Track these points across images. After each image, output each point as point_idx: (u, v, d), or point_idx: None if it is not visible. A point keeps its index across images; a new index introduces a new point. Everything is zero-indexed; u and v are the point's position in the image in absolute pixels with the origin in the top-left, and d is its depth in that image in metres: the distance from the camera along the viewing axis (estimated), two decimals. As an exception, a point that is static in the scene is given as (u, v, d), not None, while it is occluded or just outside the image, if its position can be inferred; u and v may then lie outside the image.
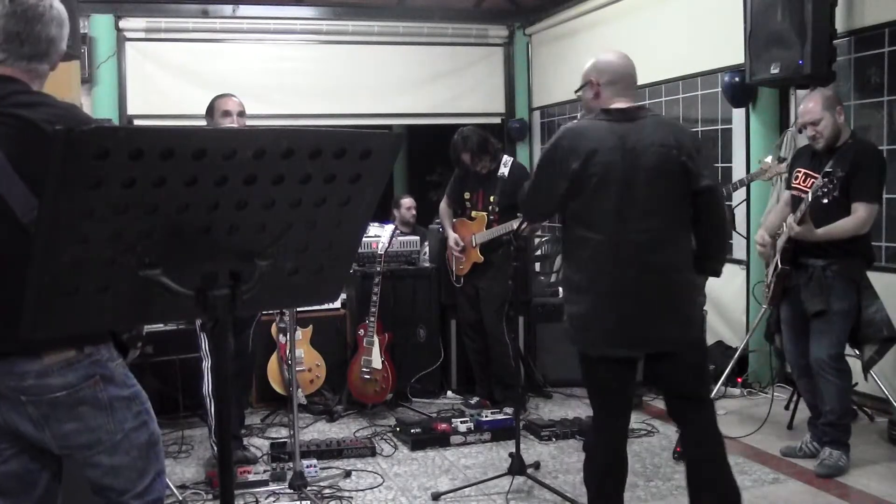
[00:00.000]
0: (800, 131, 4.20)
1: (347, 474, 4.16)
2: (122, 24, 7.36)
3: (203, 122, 4.31)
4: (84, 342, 1.97)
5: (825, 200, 3.75)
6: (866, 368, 4.14)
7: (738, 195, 5.67)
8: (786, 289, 4.11)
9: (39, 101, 1.94)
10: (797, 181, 4.09)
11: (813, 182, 3.88)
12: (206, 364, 4.05)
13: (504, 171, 5.14)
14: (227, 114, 4.06)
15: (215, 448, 4.14)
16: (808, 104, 3.98)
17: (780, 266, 4.08)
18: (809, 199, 3.79)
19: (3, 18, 1.94)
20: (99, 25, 7.20)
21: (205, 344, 4.04)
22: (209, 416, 4.13)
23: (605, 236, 2.87)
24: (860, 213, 3.85)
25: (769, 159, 4.61)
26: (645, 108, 3.05)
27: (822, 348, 3.95)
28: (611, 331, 2.91)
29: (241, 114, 4.12)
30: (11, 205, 1.82)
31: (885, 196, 4.72)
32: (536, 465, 4.16)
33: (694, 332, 3.06)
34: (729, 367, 5.12)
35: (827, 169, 3.79)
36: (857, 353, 4.32)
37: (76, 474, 2.13)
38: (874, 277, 4.12)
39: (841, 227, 3.86)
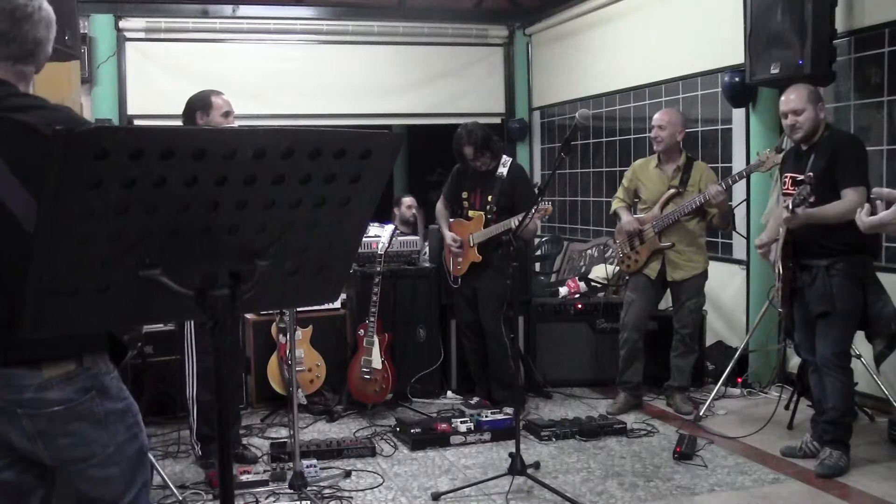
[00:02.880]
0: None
1: (347, 474, 4.16)
2: (122, 24, 7.37)
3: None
4: (83, 354, 1.94)
5: (811, 200, 3.79)
6: (877, 363, 4.18)
7: (738, 195, 5.68)
8: (794, 290, 4.12)
9: (34, 104, 1.90)
10: (786, 187, 4.16)
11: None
12: (191, 366, 4.09)
13: (503, 171, 5.14)
14: (227, 114, 4.09)
15: (197, 447, 4.16)
16: (791, 95, 4.05)
17: (781, 271, 4.10)
18: (790, 207, 3.84)
19: None
20: (99, 25, 7.21)
21: (188, 346, 4.07)
22: (192, 417, 4.15)
23: None
24: (850, 196, 3.87)
25: (767, 151, 4.64)
26: None
27: (827, 346, 3.98)
28: None
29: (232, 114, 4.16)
30: (13, 211, 1.80)
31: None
32: (536, 465, 4.16)
33: None
34: (729, 367, 5.12)
35: (799, 178, 3.90)
36: (858, 352, 4.33)
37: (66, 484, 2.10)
38: (875, 277, 4.12)
39: (833, 208, 3.87)
